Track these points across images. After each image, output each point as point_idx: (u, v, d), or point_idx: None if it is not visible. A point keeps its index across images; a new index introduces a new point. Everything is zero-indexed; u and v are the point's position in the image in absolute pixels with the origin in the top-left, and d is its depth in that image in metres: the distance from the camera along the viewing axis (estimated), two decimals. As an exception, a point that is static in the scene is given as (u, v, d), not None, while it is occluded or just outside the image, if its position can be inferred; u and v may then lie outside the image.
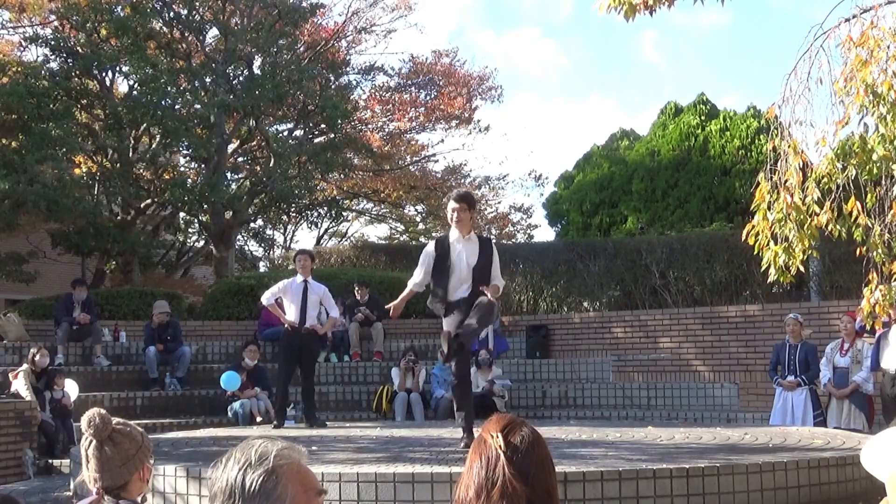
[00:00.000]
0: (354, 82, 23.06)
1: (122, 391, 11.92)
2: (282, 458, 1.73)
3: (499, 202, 28.05)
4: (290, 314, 9.50)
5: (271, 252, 29.96)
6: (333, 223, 29.54)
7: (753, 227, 6.66)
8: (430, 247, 7.19)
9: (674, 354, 12.88)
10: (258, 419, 11.19)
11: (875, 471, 1.89)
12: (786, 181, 6.49)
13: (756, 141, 17.18)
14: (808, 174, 6.55)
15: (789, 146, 6.56)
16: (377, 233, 31.48)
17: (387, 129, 24.98)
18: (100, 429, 2.98)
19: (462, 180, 26.67)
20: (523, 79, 50.27)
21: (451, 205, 7.06)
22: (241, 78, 18.72)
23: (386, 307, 7.63)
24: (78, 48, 17.17)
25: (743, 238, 6.82)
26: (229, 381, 11.24)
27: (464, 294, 7.00)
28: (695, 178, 17.82)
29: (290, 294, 9.53)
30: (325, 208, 23.96)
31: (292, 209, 22.81)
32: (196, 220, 21.80)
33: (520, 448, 1.97)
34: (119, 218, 18.82)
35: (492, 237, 7.23)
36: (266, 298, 9.61)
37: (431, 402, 12.13)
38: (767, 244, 6.57)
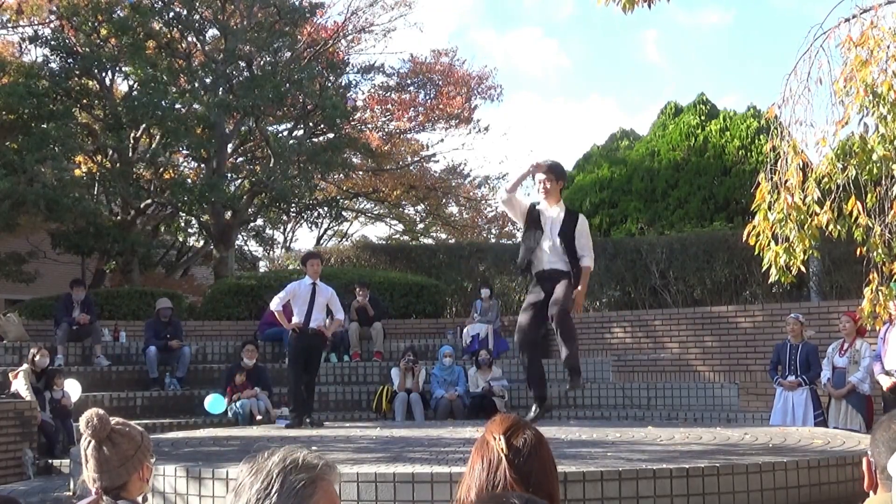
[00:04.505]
0: (354, 82, 23.08)
1: (122, 391, 11.93)
2: (324, 473, 1.85)
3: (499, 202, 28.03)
4: (296, 315, 9.54)
5: (271, 252, 29.98)
6: (333, 223, 29.54)
7: (754, 227, 6.65)
8: (529, 201, 7.56)
9: (674, 354, 12.87)
10: (258, 418, 11.19)
11: None
12: (786, 181, 6.49)
13: (756, 141, 17.14)
14: (809, 174, 6.54)
15: (789, 146, 6.56)
16: (377, 233, 31.51)
17: (386, 129, 24.98)
18: (98, 429, 2.98)
19: (462, 180, 26.67)
20: (523, 79, 50.32)
21: (539, 176, 7.36)
22: (240, 78, 18.70)
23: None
24: (78, 48, 17.16)
25: (744, 238, 6.82)
26: (215, 404, 11.05)
27: (552, 266, 7.28)
28: (695, 178, 17.78)
29: (298, 296, 9.56)
30: (325, 208, 23.95)
31: (292, 209, 22.81)
32: (196, 220, 21.79)
33: (522, 451, 1.97)
34: (119, 218, 18.82)
35: (578, 213, 7.50)
36: (275, 304, 9.59)
37: (431, 403, 12.13)
38: (768, 244, 6.57)
